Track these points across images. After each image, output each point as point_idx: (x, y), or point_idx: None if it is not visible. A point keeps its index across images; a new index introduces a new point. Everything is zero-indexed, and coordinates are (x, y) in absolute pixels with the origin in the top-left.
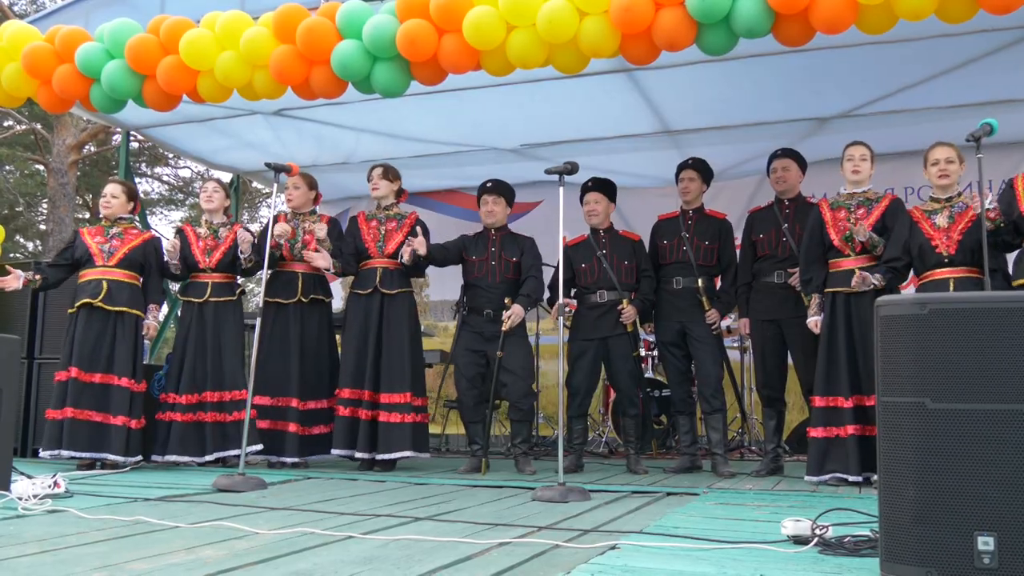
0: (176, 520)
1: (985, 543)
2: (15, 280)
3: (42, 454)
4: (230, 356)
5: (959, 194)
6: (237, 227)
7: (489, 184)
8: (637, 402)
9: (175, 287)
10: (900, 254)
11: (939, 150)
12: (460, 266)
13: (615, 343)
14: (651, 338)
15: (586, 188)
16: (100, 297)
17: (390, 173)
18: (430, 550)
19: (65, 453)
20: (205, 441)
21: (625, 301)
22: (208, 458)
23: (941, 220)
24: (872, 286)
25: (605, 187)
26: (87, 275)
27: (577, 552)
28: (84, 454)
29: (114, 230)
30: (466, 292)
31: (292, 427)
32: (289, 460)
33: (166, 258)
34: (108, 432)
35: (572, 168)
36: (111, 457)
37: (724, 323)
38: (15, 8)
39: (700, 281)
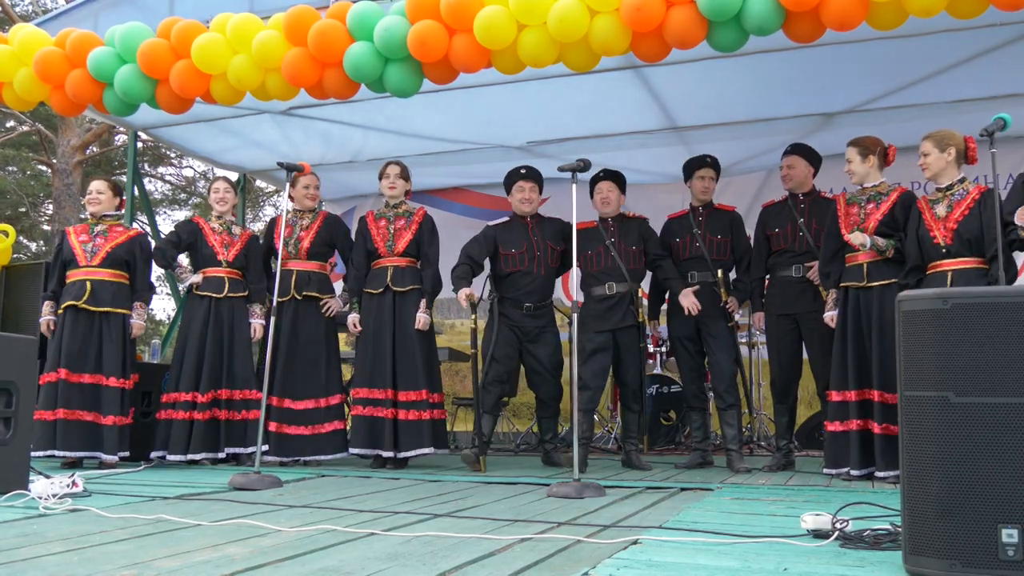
0: (197, 518)
1: (1009, 535)
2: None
3: (33, 454)
4: (241, 354)
5: (961, 180)
6: (248, 233)
7: (523, 170)
8: (641, 397)
9: (183, 287)
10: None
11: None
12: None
13: (623, 336)
14: (655, 333)
15: (598, 178)
16: (84, 299)
17: (406, 172)
18: (453, 546)
19: (58, 453)
20: (219, 438)
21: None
22: (219, 455)
23: (940, 210)
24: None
25: (616, 177)
26: (72, 276)
27: (600, 547)
28: (78, 453)
29: (99, 228)
30: (502, 283)
31: (304, 429)
32: (313, 459)
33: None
34: (100, 431)
35: (585, 165)
36: (104, 456)
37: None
38: (17, 9)
39: (719, 273)
